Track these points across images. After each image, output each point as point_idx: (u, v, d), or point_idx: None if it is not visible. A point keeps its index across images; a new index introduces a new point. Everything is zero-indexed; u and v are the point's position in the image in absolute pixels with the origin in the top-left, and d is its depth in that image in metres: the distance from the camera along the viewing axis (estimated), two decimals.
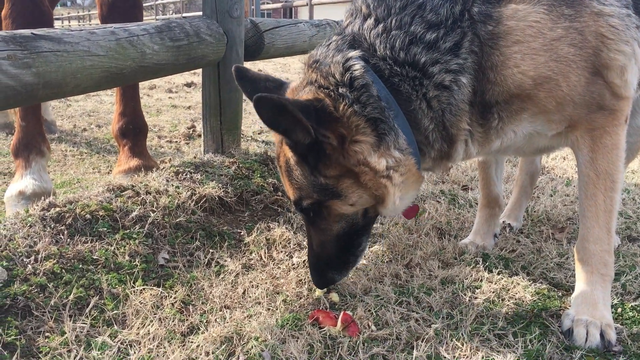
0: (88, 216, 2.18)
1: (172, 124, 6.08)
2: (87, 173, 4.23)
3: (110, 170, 4.26)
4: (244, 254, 2.41)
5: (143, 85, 8.12)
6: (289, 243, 2.50)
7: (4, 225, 2.03)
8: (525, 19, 1.74)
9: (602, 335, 1.80)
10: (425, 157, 1.91)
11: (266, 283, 2.14)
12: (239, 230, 2.59)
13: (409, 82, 1.78)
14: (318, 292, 2.09)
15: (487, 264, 2.37)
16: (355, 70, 1.74)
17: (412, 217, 2.48)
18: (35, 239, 2.00)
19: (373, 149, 1.75)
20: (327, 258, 1.98)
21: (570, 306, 1.99)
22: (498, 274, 2.28)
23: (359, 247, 2.03)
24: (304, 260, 2.35)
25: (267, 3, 25.03)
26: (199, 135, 5.52)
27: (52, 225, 2.09)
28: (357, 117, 1.73)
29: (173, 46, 2.63)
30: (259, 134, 5.51)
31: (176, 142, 5.34)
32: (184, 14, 27.17)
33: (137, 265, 2.08)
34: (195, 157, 3.14)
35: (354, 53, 1.78)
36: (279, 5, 24.40)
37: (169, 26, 2.67)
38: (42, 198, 2.86)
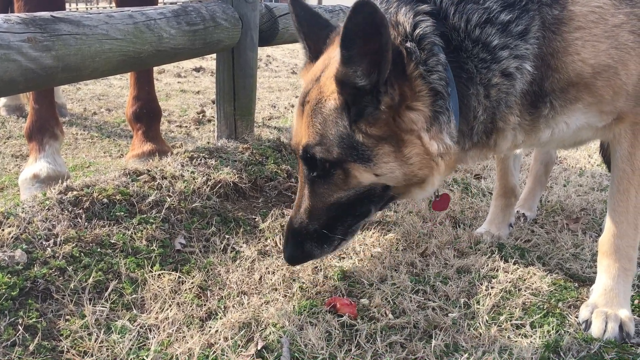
0: (105, 200, 2.18)
1: (182, 109, 6.07)
2: (99, 157, 4.23)
3: (122, 155, 4.26)
4: (259, 240, 2.41)
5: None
6: None
7: (23, 208, 2.04)
8: (589, 4, 1.66)
9: (621, 327, 1.80)
10: (458, 148, 1.75)
11: (282, 270, 2.14)
12: (253, 217, 2.59)
13: (476, 62, 1.64)
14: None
15: (502, 253, 2.36)
16: (426, 27, 1.58)
17: (445, 208, 2.22)
18: (54, 222, 2.00)
19: (427, 125, 1.60)
20: (313, 228, 1.74)
21: (587, 297, 1.99)
22: (514, 264, 2.27)
23: (351, 227, 1.79)
24: None
25: None
26: (209, 121, 5.51)
27: (69, 209, 2.10)
28: (422, 81, 1.58)
29: (189, 30, 2.62)
30: (269, 119, 5.49)
31: (186, 127, 5.32)
32: None
33: (154, 250, 2.09)
34: (209, 143, 3.14)
35: (424, 7, 1.62)
36: None
37: (185, 10, 2.65)
38: (57, 181, 2.87)
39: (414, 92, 1.58)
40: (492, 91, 1.68)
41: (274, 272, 2.12)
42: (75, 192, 2.17)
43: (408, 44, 1.58)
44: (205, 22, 2.73)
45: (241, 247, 2.31)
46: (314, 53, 1.82)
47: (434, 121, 1.60)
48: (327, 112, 1.62)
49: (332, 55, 1.69)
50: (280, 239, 2.40)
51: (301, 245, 1.76)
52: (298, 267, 2.16)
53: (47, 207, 2.06)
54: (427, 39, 1.59)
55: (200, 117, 5.62)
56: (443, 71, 1.59)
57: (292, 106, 6.28)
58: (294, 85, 7.73)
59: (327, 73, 1.66)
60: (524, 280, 2.15)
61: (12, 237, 1.84)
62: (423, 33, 1.59)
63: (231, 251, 2.28)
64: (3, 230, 1.86)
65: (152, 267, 2.01)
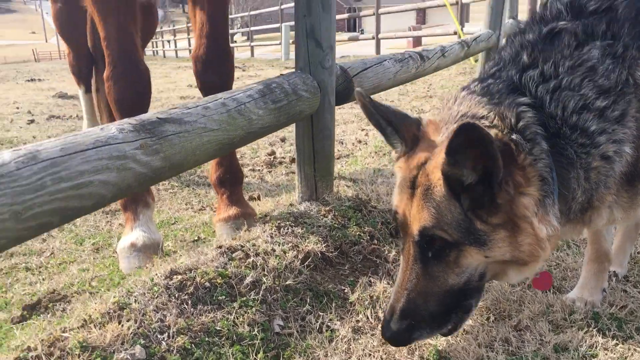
0: (207, 284, 2.29)
1: (252, 150, 6.26)
2: (181, 210, 4.43)
3: (202, 207, 4.44)
4: (351, 314, 2.46)
5: None
6: None
7: (135, 298, 2.17)
8: None
9: None
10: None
11: (379, 351, 2.18)
12: (342, 287, 2.66)
13: (576, 147, 1.72)
14: None
15: (599, 326, 2.32)
16: (528, 119, 1.69)
17: (547, 287, 2.31)
18: (165, 312, 2.12)
19: (536, 209, 1.66)
20: (425, 311, 1.78)
21: None
22: (612, 337, 2.23)
23: (469, 310, 1.86)
24: None
25: None
26: (280, 163, 5.67)
27: (176, 295, 2.22)
28: (532, 169, 1.66)
29: (275, 108, 2.72)
30: (337, 158, 5.57)
31: (259, 170, 5.50)
32: (252, 27, 28.35)
33: (256, 335, 2.18)
34: (291, 206, 3.23)
35: (524, 99, 1.74)
36: (345, 15, 24.71)
37: (270, 88, 2.76)
38: (152, 249, 3.03)
39: (527, 178, 1.67)
40: (592, 174, 1.75)
41: (370, 354, 2.17)
42: (179, 277, 2.29)
43: (514, 136, 1.69)
44: (288, 96, 2.83)
45: (335, 324, 2.38)
46: (410, 144, 1.87)
47: (541, 205, 1.68)
48: (439, 198, 1.69)
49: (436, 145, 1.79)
50: (372, 313, 2.45)
51: (411, 329, 1.80)
52: (393, 348, 2.21)
53: (156, 295, 2.19)
54: (530, 129, 1.70)
55: (272, 159, 5.79)
56: (547, 158, 1.69)
57: (359, 142, 6.34)
58: (358, 117, 7.79)
59: (434, 162, 1.73)
60: (626, 358, 2.11)
61: (131, 333, 1.97)
62: (525, 124, 1.70)
63: (326, 330, 2.34)
64: (122, 325, 1.99)
65: (256, 355, 2.10)
